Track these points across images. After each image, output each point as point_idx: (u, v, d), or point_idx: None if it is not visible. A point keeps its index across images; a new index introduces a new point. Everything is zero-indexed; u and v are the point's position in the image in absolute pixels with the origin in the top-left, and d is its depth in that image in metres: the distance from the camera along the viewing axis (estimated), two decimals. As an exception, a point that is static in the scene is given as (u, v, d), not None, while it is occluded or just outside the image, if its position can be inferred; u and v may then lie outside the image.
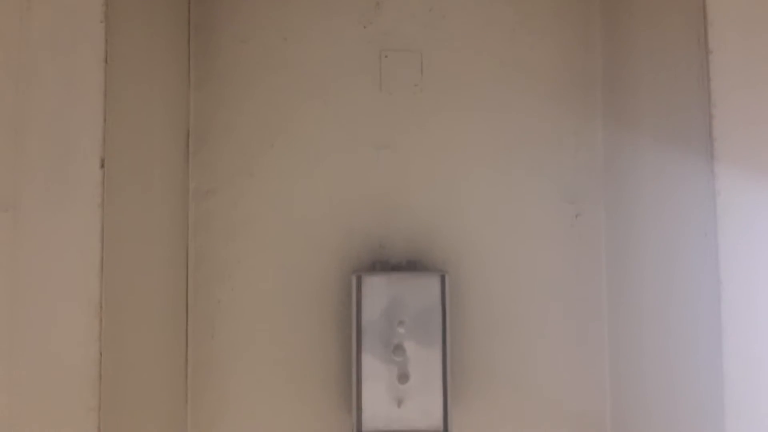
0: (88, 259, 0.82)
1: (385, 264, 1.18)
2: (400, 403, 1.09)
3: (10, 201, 0.81)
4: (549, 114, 1.22)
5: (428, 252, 1.20)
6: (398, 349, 1.09)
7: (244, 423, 1.17)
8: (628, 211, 1.12)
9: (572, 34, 1.24)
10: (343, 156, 1.21)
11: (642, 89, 1.06)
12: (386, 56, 1.21)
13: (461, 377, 1.18)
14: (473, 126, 1.22)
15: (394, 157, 1.21)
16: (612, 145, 1.18)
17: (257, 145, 1.20)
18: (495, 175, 1.21)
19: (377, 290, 1.10)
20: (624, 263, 1.13)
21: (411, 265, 1.17)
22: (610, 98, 1.19)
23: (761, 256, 0.82)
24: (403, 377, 1.09)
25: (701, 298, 0.86)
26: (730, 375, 0.80)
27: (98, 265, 0.82)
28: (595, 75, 1.23)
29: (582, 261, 1.21)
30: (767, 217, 0.82)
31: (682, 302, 0.92)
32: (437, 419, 1.08)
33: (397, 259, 1.18)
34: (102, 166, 0.83)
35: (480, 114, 1.22)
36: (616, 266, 1.17)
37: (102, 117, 0.83)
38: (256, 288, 1.18)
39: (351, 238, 1.19)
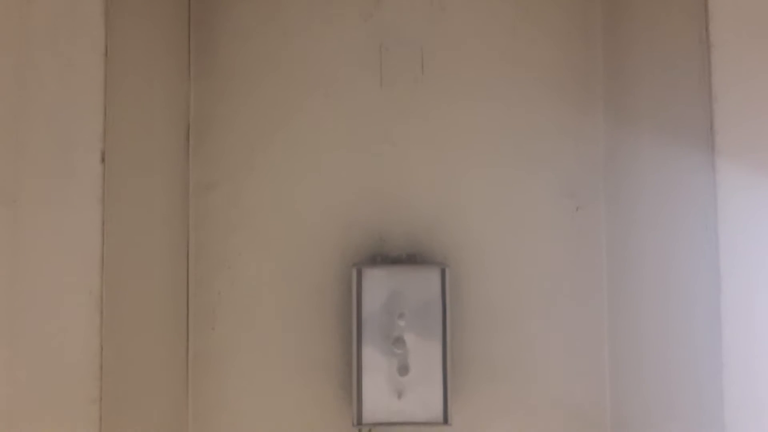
0: (89, 252, 0.82)
1: (385, 257, 1.18)
2: (400, 395, 1.09)
3: (10, 195, 0.82)
4: (550, 107, 1.22)
5: (428, 245, 1.20)
6: (398, 341, 1.09)
7: (245, 414, 1.17)
8: (628, 204, 1.12)
9: (573, 28, 1.23)
10: (343, 150, 1.21)
11: (643, 83, 1.05)
12: (387, 50, 1.21)
13: (461, 370, 1.18)
14: (474, 120, 1.21)
15: (394, 151, 1.21)
16: (613, 139, 1.18)
17: (258, 139, 1.20)
18: (495, 168, 1.21)
19: (377, 283, 1.10)
20: (624, 256, 1.13)
21: (411, 259, 1.17)
22: (611, 92, 1.19)
23: (762, 249, 0.82)
24: (403, 369, 1.09)
25: (701, 291, 0.86)
26: (729, 369, 0.80)
27: (99, 258, 0.82)
28: (596, 69, 1.22)
29: (582, 254, 1.21)
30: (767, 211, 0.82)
31: (682, 295, 0.92)
32: (437, 411, 1.09)
33: (398, 252, 1.19)
34: (102, 160, 0.83)
35: (480, 108, 1.22)
36: (617, 259, 1.17)
37: (102, 111, 0.83)
38: (257, 280, 1.19)
39: (351, 231, 1.20)
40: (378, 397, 1.09)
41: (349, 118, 1.21)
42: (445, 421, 1.08)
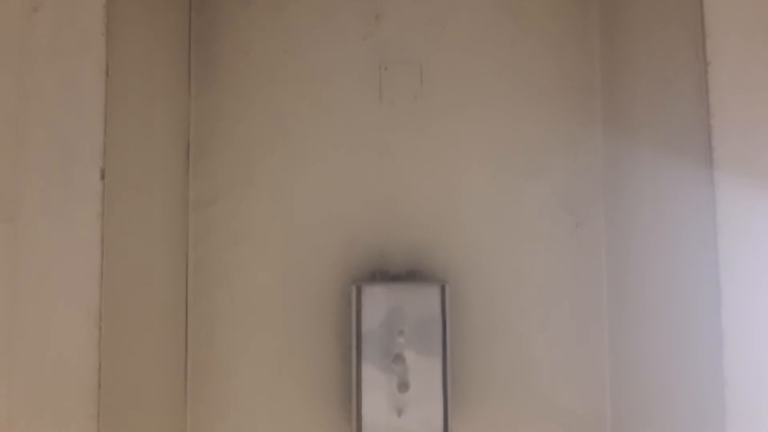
0: (88, 268, 0.82)
1: (385, 274, 1.18)
2: (400, 412, 1.08)
3: (10, 211, 0.82)
4: (548, 124, 1.22)
5: (428, 262, 1.20)
6: (398, 358, 1.09)
7: (244, 430, 1.17)
8: (628, 220, 1.11)
9: (571, 43, 1.24)
10: (343, 166, 1.21)
11: (641, 99, 1.06)
12: (386, 68, 1.22)
13: (461, 386, 1.18)
14: (473, 136, 1.22)
15: (394, 167, 1.21)
16: (611, 155, 1.18)
17: (257, 155, 1.21)
18: (495, 184, 1.21)
19: (377, 300, 1.10)
20: (624, 272, 1.13)
21: (411, 275, 1.17)
22: (609, 108, 1.19)
23: (761, 263, 0.81)
24: (403, 386, 1.08)
25: (702, 306, 0.85)
26: (730, 380, 0.80)
27: (98, 274, 0.82)
28: (594, 85, 1.23)
29: (582, 270, 1.21)
30: (767, 226, 0.82)
31: (682, 311, 0.92)
32: (437, 428, 1.08)
33: (397, 269, 1.19)
34: (102, 177, 0.83)
35: (480, 124, 1.22)
36: (617, 275, 1.16)
37: (102, 128, 0.84)
38: (256, 297, 1.19)
39: (351, 247, 1.20)
40: (378, 414, 1.08)
41: (349, 135, 1.21)
42: (446, 438, 1.08)
